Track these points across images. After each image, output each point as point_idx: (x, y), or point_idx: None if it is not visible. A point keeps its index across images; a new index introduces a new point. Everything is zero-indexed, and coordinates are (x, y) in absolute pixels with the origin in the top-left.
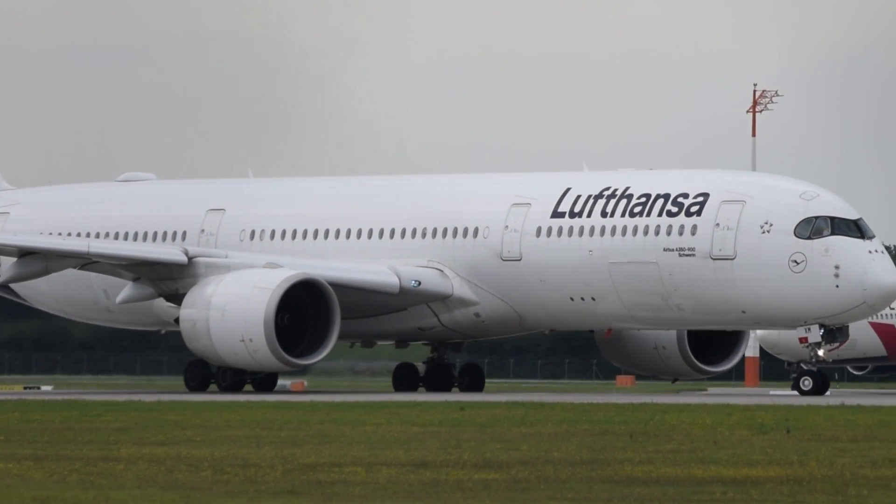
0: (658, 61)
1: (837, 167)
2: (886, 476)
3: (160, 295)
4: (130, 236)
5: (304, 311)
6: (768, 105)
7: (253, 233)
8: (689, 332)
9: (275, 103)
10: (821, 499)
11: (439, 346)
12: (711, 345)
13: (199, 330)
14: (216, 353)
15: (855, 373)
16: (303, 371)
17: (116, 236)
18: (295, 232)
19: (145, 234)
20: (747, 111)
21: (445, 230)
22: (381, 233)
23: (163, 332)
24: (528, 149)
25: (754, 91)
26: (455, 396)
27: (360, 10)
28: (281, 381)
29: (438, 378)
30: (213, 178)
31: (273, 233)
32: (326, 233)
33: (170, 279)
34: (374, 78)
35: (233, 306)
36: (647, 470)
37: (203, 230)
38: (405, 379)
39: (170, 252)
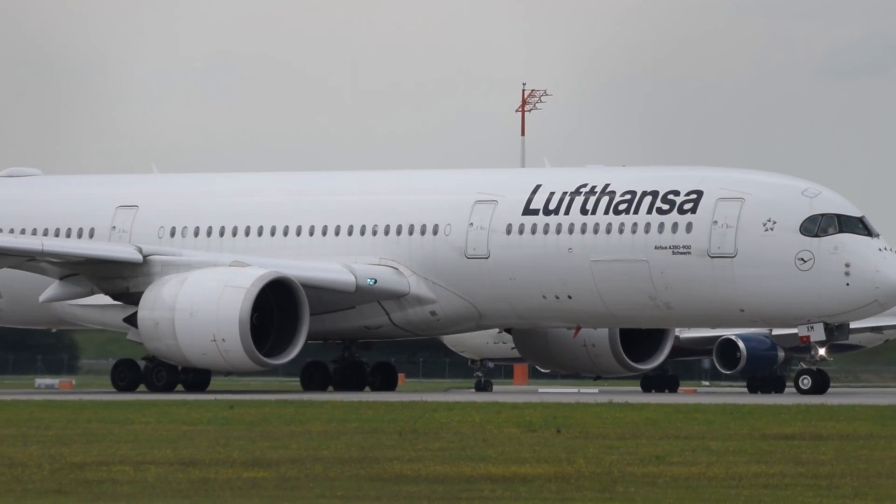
0: (428, 60)
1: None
2: (653, 473)
3: (107, 294)
4: (39, 232)
5: (268, 310)
6: (537, 104)
7: (173, 230)
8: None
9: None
10: (589, 496)
11: (350, 344)
12: (634, 342)
13: (163, 330)
14: (181, 354)
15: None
16: (273, 371)
17: (24, 231)
18: (223, 229)
19: (45, 231)
20: (516, 110)
21: (400, 227)
22: (325, 230)
23: (54, 330)
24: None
25: (523, 90)
26: (341, 395)
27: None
28: (49, 381)
29: (350, 377)
30: (114, 173)
31: (197, 230)
32: (260, 230)
33: (119, 278)
34: None
35: (202, 306)
36: (417, 468)
37: (114, 227)
38: (315, 378)
39: (124, 250)
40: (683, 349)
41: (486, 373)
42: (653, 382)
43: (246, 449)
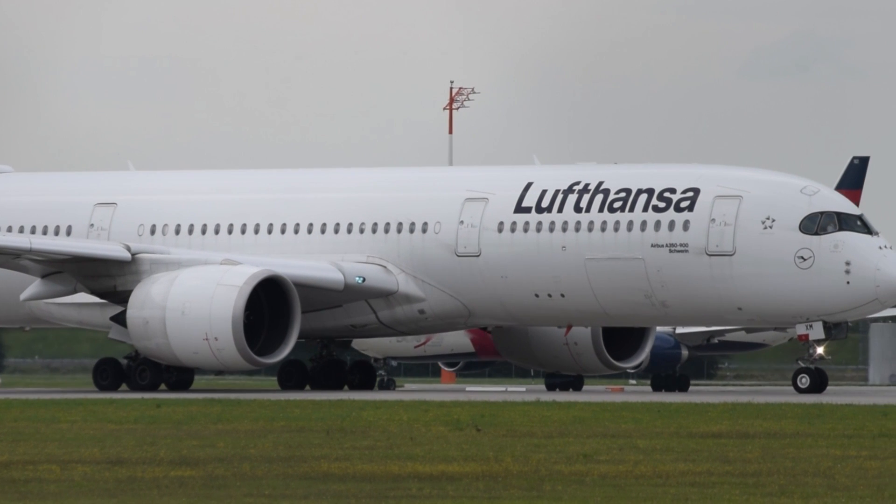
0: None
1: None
2: (581, 471)
3: (93, 293)
4: (15, 230)
5: (257, 308)
6: (465, 102)
7: (154, 227)
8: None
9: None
10: (516, 494)
11: (329, 342)
12: (615, 340)
13: (153, 328)
14: (171, 352)
15: (447, 368)
16: (266, 370)
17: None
18: (205, 227)
19: (21, 228)
20: (444, 108)
21: (388, 225)
22: (311, 227)
23: (27, 329)
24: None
25: (451, 89)
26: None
27: None
28: None
29: (328, 376)
30: (91, 170)
31: (179, 227)
32: (244, 227)
33: (106, 276)
34: None
35: (194, 304)
36: (344, 466)
37: (92, 224)
38: (293, 377)
39: (112, 248)
40: None
41: (388, 371)
42: (663, 382)
43: (173, 448)
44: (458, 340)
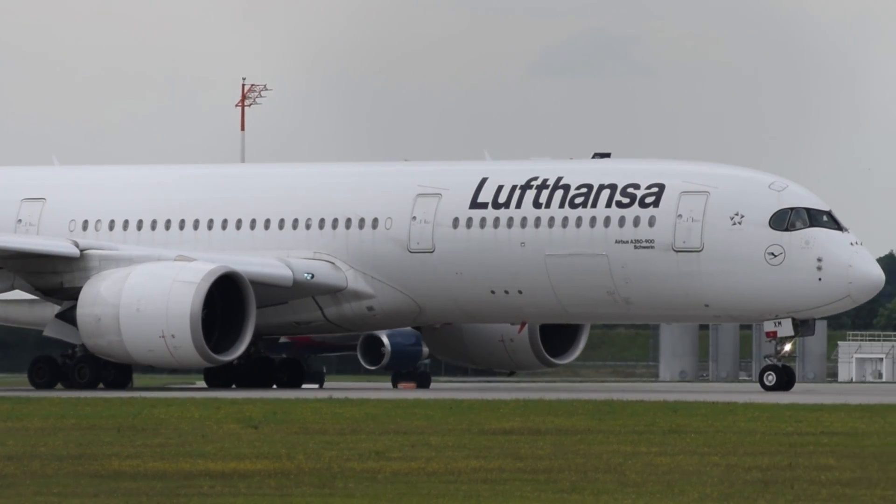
0: (149, 51)
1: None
2: (373, 469)
3: (37, 290)
4: None
5: (211, 305)
6: (257, 99)
7: (86, 223)
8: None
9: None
10: (308, 491)
11: (257, 340)
12: (548, 337)
13: (106, 326)
14: (124, 350)
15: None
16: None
17: None
18: (141, 223)
19: None
20: (236, 105)
21: (336, 221)
22: (254, 223)
23: None
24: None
25: (243, 85)
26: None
27: None
28: None
29: (257, 374)
30: (13, 165)
31: (113, 223)
32: (182, 223)
33: (53, 273)
34: None
35: (150, 301)
36: (135, 464)
37: (20, 220)
38: (220, 374)
39: (59, 244)
40: (327, 345)
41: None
42: (404, 378)
43: None
44: None
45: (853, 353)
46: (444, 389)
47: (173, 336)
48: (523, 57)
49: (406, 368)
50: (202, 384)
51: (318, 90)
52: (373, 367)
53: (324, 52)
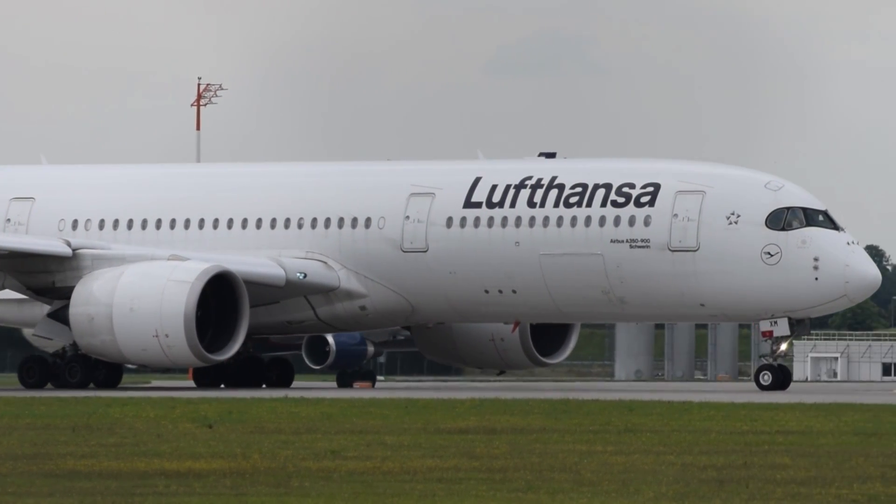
0: (103, 51)
1: (284, 157)
2: (329, 468)
3: (29, 289)
4: None
5: (204, 304)
6: (213, 99)
7: (76, 222)
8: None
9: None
10: (263, 490)
11: (247, 340)
12: (539, 336)
13: (99, 325)
14: (117, 350)
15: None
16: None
17: None
18: (132, 222)
19: None
20: (192, 105)
21: (328, 220)
22: (245, 222)
23: None
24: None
25: (199, 85)
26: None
27: None
28: None
29: (247, 373)
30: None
31: (103, 223)
32: (173, 222)
33: (45, 272)
34: None
35: (144, 300)
36: (90, 464)
37: (9, 220)
38: (209, 373)
39: (52, 244)
40: (274, 344)
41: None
42: (349, 378)
43: None
44: None
45: (808, 353)
46: (398, 389)
47: (167, 335)
48: (479, 57)
49: (351, 368)
50: (185, 383)
51: (273, 90)
52: (318, 367)
53: (280, 52)
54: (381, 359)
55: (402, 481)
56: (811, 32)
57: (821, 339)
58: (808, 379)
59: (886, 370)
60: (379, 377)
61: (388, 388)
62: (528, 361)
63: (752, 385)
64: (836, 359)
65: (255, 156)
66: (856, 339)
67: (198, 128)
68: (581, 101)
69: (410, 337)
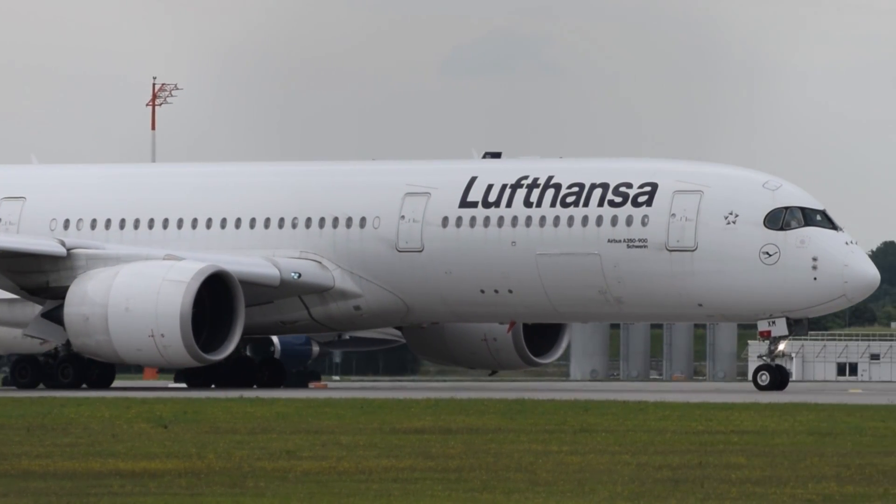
0: (60, 50)
1: (240, 157)
2: (284, 468)
3: (22, 289)
4: None
5: (198, 304)
6: (168, 98)
7: (67, 222)
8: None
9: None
10: (219, 490)
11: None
12: (531, 336)
13: (94, 325)
14: (112, 350)
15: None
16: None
17: None
18: (124, 221)
19: None
20: (147, 104)
21: (323, 220)
22: (238, 222)
23: None
24: None
25: (154, 85)
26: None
27: None
28: None
29: (238, 373)
30: None
31: (95, 222)
32: (165, 222)
33: (38, 272)
34: None
35: (139, 300)
36: (45, 464)
37: (0, 219)
38: (200, 374)
39: (46, 243)
40: None
41: None
42: (295, 378)
43: None
44: None
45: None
46: (354, 389)
47: (163, 335)
48: (434, 58)
49: (296, 368)
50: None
51: (229, 90)
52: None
53: (235, 52)
54: (337, 359)
55: (357, 481)
56: (762, 34)
57: None
58: None
59: (841, 370)
60: (335, 377)
61: (344, 389)
62: (520, 361)
63: (706, 385)
64: (791, 358)
65: (211, 156)
66: (811, 339)
67: (153, 127)
68: (532, 101)
69: (356, 337)
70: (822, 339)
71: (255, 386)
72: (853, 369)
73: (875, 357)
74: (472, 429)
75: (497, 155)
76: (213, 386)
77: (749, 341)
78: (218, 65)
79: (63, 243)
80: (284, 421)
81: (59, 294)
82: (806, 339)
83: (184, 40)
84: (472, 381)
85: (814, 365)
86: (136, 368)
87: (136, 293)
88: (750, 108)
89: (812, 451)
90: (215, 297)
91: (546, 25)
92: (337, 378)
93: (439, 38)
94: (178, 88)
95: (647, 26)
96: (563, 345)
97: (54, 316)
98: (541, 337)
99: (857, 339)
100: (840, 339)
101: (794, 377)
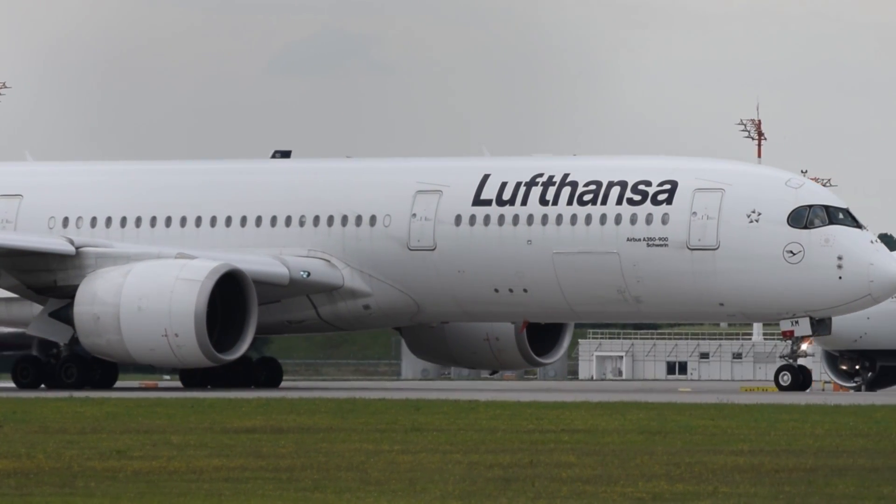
0: None
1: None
2: (114, 467)
3: (29, 288)
4: None
5: (210, 303)
6: None
7: (66, 220)
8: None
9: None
10: (48, 491)
11: None
12: (533, 336)
13: (105, 324)
14: (124, 349)
15: None
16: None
17: None
18: (125, 219)
19: None
20: None
21: (331, 218)
22: (244, 220)
23: None
24: None
25: None
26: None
27: None
28: None
29: (236, 374)
30: None
31: (95, 220)
32: (168, 220)
33: (46, 271)
34: None
35: (152, 299)
36: None
37: None
38: (196, 374)
39: (55, 242)
40: None
41: None
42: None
43: None
44: None
45: (594, 351)
46: (183, 389)
47: (177, 335)
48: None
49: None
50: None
51: (54, 87)
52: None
53: (59, 49)
54: None
55: (188, 481)
56: (586, 32)
57: (606, 338)
58: (594, 377)
59: (671, 369)
60: (165, 377)
61: (174, 389)
62: (523, 361)
63: (538, 384)
64: (622, 357)
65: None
66: (640, 338)
67: None
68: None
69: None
70: (653, 338)
71: (252, 386)
72: (682, 368)
73: (704, 356)
74: (304, 428)
75: (287, 154)
76: (208, 386)
77: (579, 340)
78: (42, 63)
79: (72, 241)
80: (115, 420)
81: (67, 293)
82: (636, 339)
83: (8, 37)
84: (299, 381)
85: (644, 364)
86: (144, 368)
87: (148, 292)
88: (574, 105)
89: (642, 449)
90: (225, 295)
91: (374, 24)
92: (167, 377)
93: (268, 35)
94: (6, 87)
95: (477, 25)
96: (565, 344)
97: (61, 315)
98: (542, 336)
99: (686, 338)
100: (670, 338)
101: (623, 376)
